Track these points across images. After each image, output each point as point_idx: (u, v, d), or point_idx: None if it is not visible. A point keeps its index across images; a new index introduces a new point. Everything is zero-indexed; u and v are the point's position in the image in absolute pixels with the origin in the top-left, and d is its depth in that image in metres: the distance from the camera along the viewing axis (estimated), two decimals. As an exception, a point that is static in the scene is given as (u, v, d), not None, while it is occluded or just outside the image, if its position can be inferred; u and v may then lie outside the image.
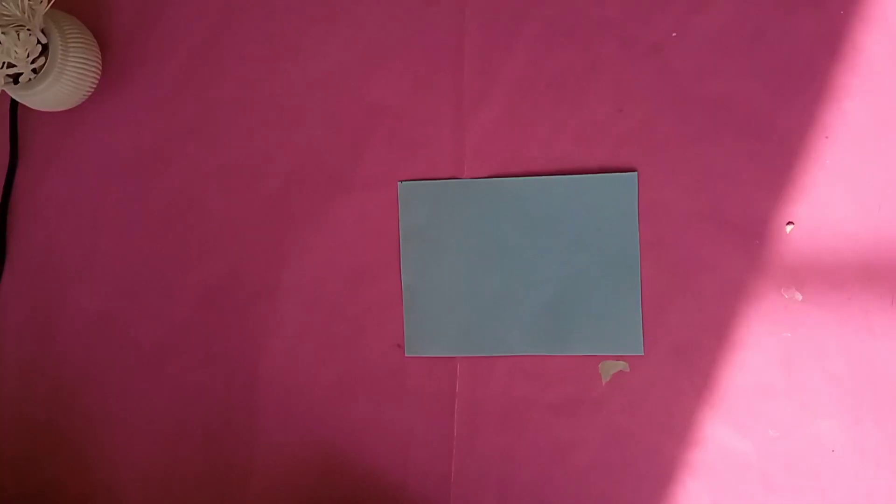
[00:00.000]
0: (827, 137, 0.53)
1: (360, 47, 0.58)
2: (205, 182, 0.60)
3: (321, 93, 0.58)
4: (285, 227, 0.59)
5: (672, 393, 0.55)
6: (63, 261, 0.62)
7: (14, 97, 0.57)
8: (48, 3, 0.54)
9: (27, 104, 0.58)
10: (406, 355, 0.58)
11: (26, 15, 0.53)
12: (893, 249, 0.52)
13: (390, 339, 0.58)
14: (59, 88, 0.56)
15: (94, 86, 0.59)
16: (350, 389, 0.59)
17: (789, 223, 0.53)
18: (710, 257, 0.54)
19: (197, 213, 0.60)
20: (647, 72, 0.55)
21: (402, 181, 0.57)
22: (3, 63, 0.53)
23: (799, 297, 0.53)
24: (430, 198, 0.57)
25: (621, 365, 0.55)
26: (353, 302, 0.58)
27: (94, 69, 0.58)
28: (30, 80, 0.55)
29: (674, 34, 0.54)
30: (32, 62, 0.54)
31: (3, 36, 0.52)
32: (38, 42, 0.54)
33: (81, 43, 0.56)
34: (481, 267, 0.56)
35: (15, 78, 0.55)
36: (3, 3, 0.53)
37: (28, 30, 0.54)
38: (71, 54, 0.55)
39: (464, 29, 0.57)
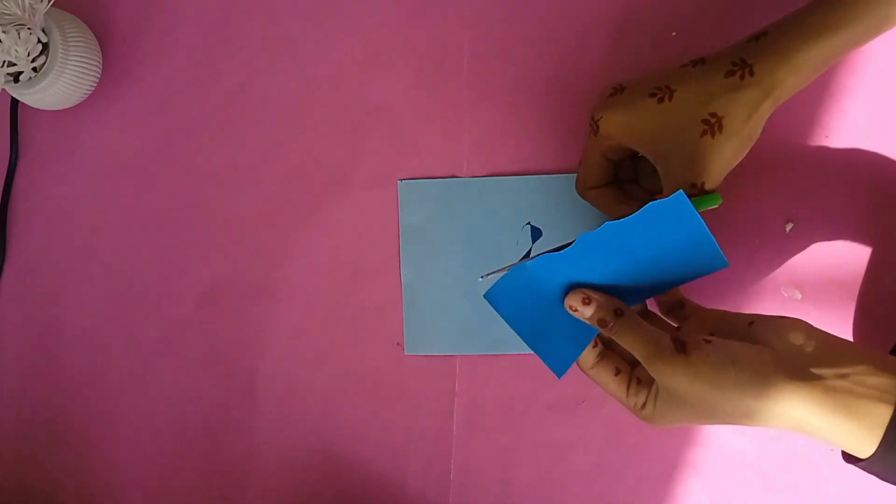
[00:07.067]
0: (827, 137, 0.53)
1: (360, 47, 0.58)
2: (204, 181, 0.60)
3: (321, 93, 0.58)
4: (285, 226, 0.59)
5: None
6: (63, 260, 0.62)
7: (14, 96, 0.57)
8: (49, 2, 0.54)
9: (27, 103, 0.58)
10: (405, 354, 0.58)
11: (27, 14, 0.53)
12: (893, 248, 0.52)
13: (390, 337, 0.58)
14: (59, 87, 0.56)
15: (95, 85, 0.59)
16: (349, 388, 0.59)
17: (789, 222, 0.53)
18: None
19: (196, 213, 0.60)
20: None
21: (401, 180, 0.57)
22: (4, 62, 0.54)
23: (799, 295, 0.53)
24: (429, 196, 0.57)
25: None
26: (352, 300, 0.58)
27: (94, 68, 0.58)
28: (30, 78, 0.55)
29: (674, 33, 0.54)
30: (33, 61, 0.54)
31: (3, 35, 0.53)
32: (39, 41, 0.54)
33: (82, 42, 0.56)
34: (481, 265, 0.56)
35: (15, 77, 0.55)
36: (4, 2, 0.53)
37: (29, 28, 0.54)
38: (71, 53, 0.55)
39: (464, 28, 0.57)
